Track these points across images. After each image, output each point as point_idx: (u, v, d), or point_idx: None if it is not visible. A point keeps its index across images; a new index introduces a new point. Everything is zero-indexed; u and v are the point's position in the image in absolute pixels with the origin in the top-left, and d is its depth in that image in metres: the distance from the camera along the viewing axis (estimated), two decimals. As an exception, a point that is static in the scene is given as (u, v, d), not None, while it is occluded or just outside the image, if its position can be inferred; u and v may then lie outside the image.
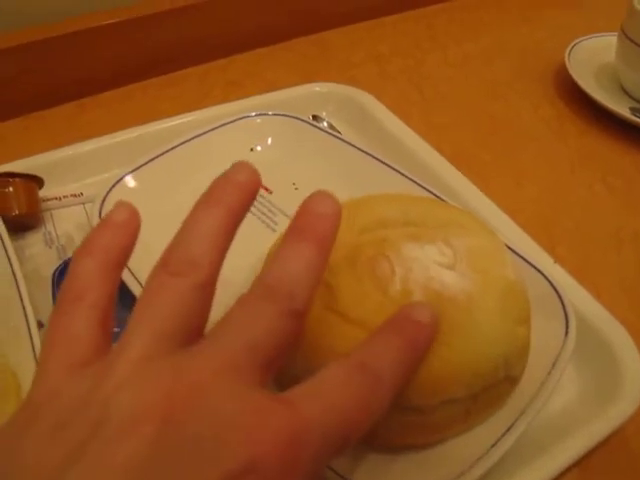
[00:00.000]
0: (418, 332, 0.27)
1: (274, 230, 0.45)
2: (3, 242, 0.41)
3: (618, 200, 0.54)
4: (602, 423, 0.35)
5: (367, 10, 0.76)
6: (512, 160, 0.57)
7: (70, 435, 0.20)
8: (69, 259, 0.45)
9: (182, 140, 0.49)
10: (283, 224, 0.44)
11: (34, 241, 0.46)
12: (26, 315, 0.37)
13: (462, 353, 0.29)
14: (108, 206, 0.43)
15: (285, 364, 0.25)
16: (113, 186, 0.45)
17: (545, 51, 0.72)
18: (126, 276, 0.38)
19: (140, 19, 0.61)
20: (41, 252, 0.46)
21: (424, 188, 0.44)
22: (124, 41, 0.62)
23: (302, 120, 0.52)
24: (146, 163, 0.47)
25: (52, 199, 0.49)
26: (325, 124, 0.57)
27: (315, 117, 0.57)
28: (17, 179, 0.45)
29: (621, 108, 0.61)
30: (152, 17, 0.62)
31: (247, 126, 0.51)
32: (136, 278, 0.38)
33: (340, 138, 0.50)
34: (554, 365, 0.33)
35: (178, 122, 0.54)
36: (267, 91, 0.58)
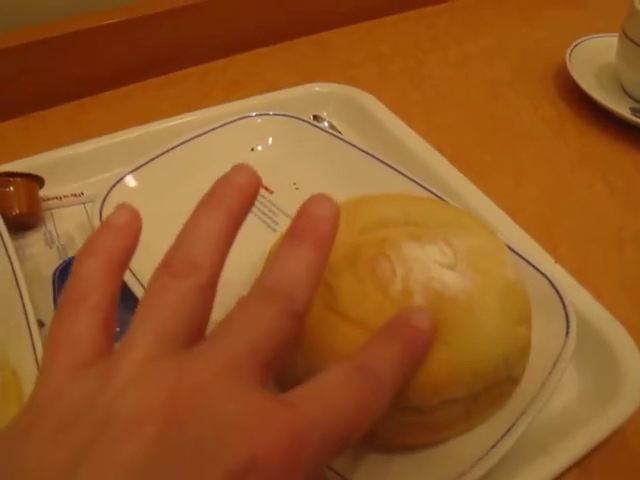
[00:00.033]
0: (416, 337, 0.28)
1: (275, 230, 0.45)
2: (4, 241, 0.41)
3: (619, 200, 0.54)
4: (603, 423, 0.35)
5: (367, 10, 0.76)
6: (512, 160, 0.57)
7: (74, 436, 0.20)
8: (69, 259, 0.45)
9: (182, 140, 0.49)
10: (284, 224, 0.44)
11: (34, 240, 0.46)
12: (26, 314, 0.37)
13: (463, 353, 0.29)
14: (108, 206, 0.43)
15: (286, 364, 0.25)
16: (113, 186, 0.45)
17: (545, 51, 0.72)
18: (126, 276, 0.38)
19: (140, 19, 0.61)
20: (41, 251, 0.46)
21: (425, 188, 0.44)
22: (124, 41, 0.62)
23: (303, 120, 0.52)
24: (146, 163, 0.47)
25: (52, 199, 0.49)
26: (326, 124, 0.57)
27: (316, 117, 0.57)
28: (18, 179, 0.45)
29: (621, 108, 0.61)
30: (152, 17, 0.62)
31: (248, 126, 0.51)
32: (137, 278, 0.38)
33: (341, 138, 0.50)
34: (555, 365, 0.33)
35: (178, 122, 0.54)
36: (267, 91, 0.58)
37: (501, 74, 0.69)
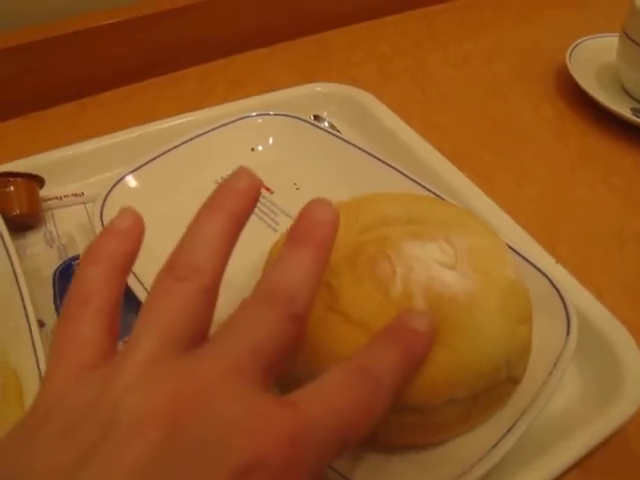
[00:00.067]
0: (415, 340, 0.28)
1: (275, 230, 0.45)
2: (4, 241, 0.41)
3: (619, 200, 0.54)
4: (603, 423, 0.35)
5: (368, 10, 0.76)
6: (513, 160, 0.57)
7: (79, 438, 0.20)
8: (70, 258, 0.45)
9: (183, 140, 0.49)
10: (284, 224, 0.44)
11: (35, 240, 0.46)
12: (27, 314, 0.37)
13: (464, 354, 0.29)
14: (109, 206, 0.43)
15: (286, 365, 0.25)
16: (114, 186, 0.45)
17: (546, 51, 0.72)
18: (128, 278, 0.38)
19: (140, 19, 0.61)
20: (42, 251, 0.46)
21: (425, 188, 0.44)
22: (124, 41, 0.62)
23: (303, 120, 0.52)
24: (147, 163, 0.47)
25: (53, 199, 0.49)
26: (326, 124, 0.57)
27: (316, 117, 0.57)
28: (18, 179, 0.45)
29: (622, 108, 0.61)
30: (152, 17, 0.62)
31: (248, 126, 0.51)
32: (137, 278, 0.38)
33: (341, 138, 0.50)
34: (555, 365, 0.33)
35: (179, 122, 0.54)
36: (267, 91, 0.58)
37: (501, 74, 0.69)
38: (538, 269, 0.38)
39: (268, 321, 0.24)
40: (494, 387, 0.31)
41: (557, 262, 0.43)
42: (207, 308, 0.25)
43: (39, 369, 0.34)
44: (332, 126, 0.57)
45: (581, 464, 0.35)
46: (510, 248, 0.37)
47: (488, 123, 0.62)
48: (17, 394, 0.35)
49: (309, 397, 0.23)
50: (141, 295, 0.37)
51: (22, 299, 0.38)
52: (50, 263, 0.44)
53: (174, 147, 0.48)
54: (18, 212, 0.45)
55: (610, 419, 0.35)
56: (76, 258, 0.45)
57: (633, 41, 0.60)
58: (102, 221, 0.42)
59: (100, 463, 0.19)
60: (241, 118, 0.51)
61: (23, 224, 0.46)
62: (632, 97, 0.64)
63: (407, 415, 0.30)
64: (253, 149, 0.52)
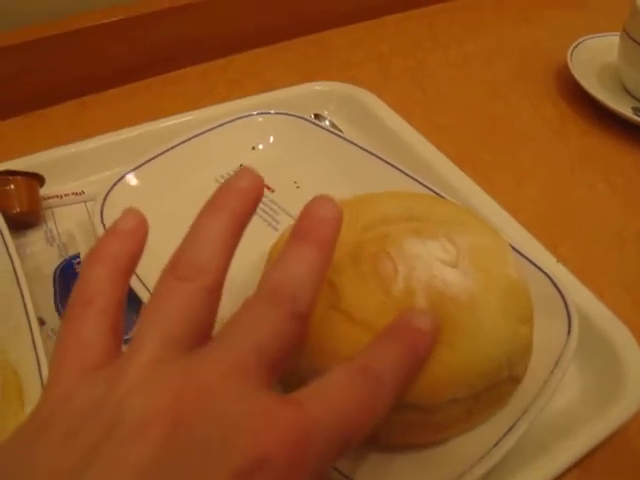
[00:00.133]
0: (418, 339, 0.28)
1: (276, 229, 0.45)
2: (4, 240, 0.41)
3: (620, 200, 0.54)
4: (604, 422, 0.35)
5: (367, 10, 0.76)
6: (513, 160, 0.57)
7: (83, 439, 0.20)
8: (70, 257, 0.45)
9: (184, 139, 0.49)
10: (285, 223, 0.44)
11: (35, 239, 0.46)
12: (27, 313, 0.37)
13: (465, 352, 0.29)
14: (109, 204, 0.43)
15: (290, 364, 0.25)
16: (114, 184, 0.45)
17: (546, 51, 0.72)
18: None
19: (140, 18, 0.61)
20: (42, 250, 0.46)
21: (426, 187, 0.44)
22: (125, 39, 0.62)
23: (304, 119, 0.52)
24: (148, 161, 0.47)
25: (53, 197, 0.49)
26: (327, 123, 0.57)
27: (317, 116, 0.57)
28: (18, 177, 0.45)
29: (623, 108, 0.60)
30: (152, 16, 0.62)
31: (249, 125, 0.51)
32: (138, 277, 0.38)
33: (342, 137, 0.50)
34: (557, 364, 0.33)
35: (179, 121, 0.54)
36: (267, 91, 0.58)
37: (502, 74, 0.69)
38: (539, 268, 0.38)
39: (271, 320, 0.24)
40: (495, 386, 0.31)
41: (558, 261, 0.43)
42: (210, 308, 0.25)
43: (39, 367, 0.34)
44: (333, 125, 0.57)
45: (582, 463, 0.35)
46: (511, 247, 0.37)
47: (488, 123, 0.62)
48: (17, 392, 0.35)
49: (312, 396, 0.23)
50: (142, 295, 0.37)
51: (22, 297, 0.38)
52: (50, 261, 0.44)
53: (175, 146, 0.48)
54: (18, 210, 0.45)
55: (611, 418, 0.35)
56: (76, 257, 0.45)
57: (634, 41, 0.60)
58: (102, 220, 0.42)
59: (103, 464, 0.19)
60: (242, 117, 0.51)
61: (23, 222, 0.46)
62: (633, 97, 0.64)
63: (408, 414, 0.30)
64: (254, 148, 0.51)
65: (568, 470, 0.34)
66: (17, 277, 0.39)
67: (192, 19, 0.65)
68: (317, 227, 0.26)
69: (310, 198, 0.27)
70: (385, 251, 0.30)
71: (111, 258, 0.26)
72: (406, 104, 0.61)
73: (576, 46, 0.68)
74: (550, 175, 0.56)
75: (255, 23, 0.69)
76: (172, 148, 0.48)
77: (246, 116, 0.51)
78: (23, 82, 0.58)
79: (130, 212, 0.28)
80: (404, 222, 0.33)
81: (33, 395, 0.34)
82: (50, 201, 0.48)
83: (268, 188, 0.48)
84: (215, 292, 0.25)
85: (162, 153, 0.47)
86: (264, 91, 0.58)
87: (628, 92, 0.65)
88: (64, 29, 0.58)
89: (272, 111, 0.52)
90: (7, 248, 0.41)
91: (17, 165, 0.47)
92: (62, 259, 0.45)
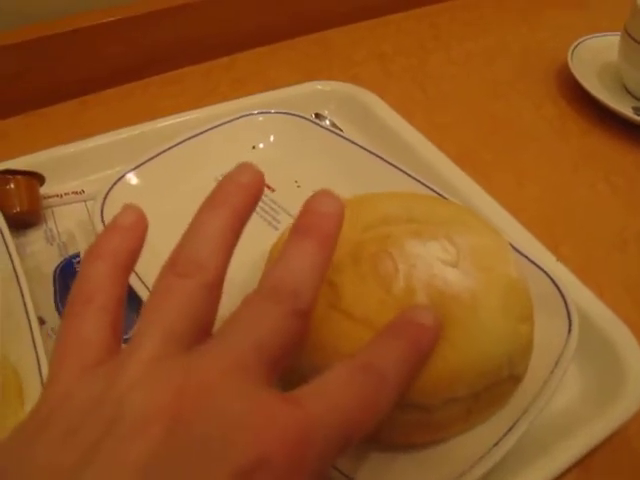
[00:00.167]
0: (421, 335, 0.27)
1: (276, 228, 0.45)
2: (4, 239, 0.41)
3: (621, 199, 0.54)
4: (604, 422, 0.35)
5: (369, 9, 0.76)
6: (514, 159, 0.57)
7: (83, 436, 0.20)
8: (70, 256, 0.45)
9: (184, 138, 0.49)
10: (285, 222, 0.44)
11: (35, 238, 0.46)
12: (27, 312, 0.37)
13: (465, 351, 0.29)
14: (109, 204, 0.43)
15: (290, 363, 0.25)
16: (115, 183, 0.45)
17: (547, 51, 0.72)
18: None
19: (141, 17, 0.61)
20: (42, 249, 0.46)
21: (427, 186, 0.44)
22: (126, 39, 0.62)
23: (304, 118, 0.52)
24: (148, 161, 0.47)
25: (53, 196, 0.49)
26: (327, 122, 0.57)
27: (317, 115, 0.57)
28: (18, 176, 0.45)
29: (624, 108, 0.60)
30: (152, 15, 0.62)
31: (249, 124, 0.51)
32: (138, 276, 0.38)
33: (342, 136, 0.50)
34: (557, 364, 0.33)
35: (180, 120, 0.53)
36: (269, 89, 0.58)
37: (503, 74, 0.69)
38: (540, 268, 0.38)
39: (272, 317, 0.23)
40: (495, 385, 0.31)
41: (558, 260, 0.43)
42: (210, 304, 0.25)
43: (39, 367, 0.34)
44: (333, 124, 0.57)
45: (582, 463, 0.35)
46: (512, 247, 0.37)
47: (489, 122, 0.62)
48: (17, 392, 0.35)
49: (313, 394, 0.23)
50: (142, 293, 0.37)
51: (22, 297, 0.38)
52: (50, 261, 0.44)
53: (175, 145, 0.48)
54: (18, 210, 0.45)
55: (611, 418, 0.35)
56: (77, 256, 0.45)
57: (635, 40, 0.60)
58: (103, 219, 0.42)
59: (102, 461, 0.19)
60: (242, 116, 0.51)
61: (23, 222, 0.46)
62: (634, 96, 0.64)
63: (408, 413, 0.30)
64: (254, 147, 0.51)
65: (568, 470, 0.34)
66: (17, 276, 0.39)
67: (195, 18, 0.65)
68: (319, 222, 0.26)
69: (311, 196, 0.27)
70: (386, 251, 0.30)
71: (111, 254, 0.26)
72: (407, 103, 0.61)
73: (577, 46, 0.68)
74: (551, 175, 0.56)
75: (257, 22, 0.69)
76: (172, 147, 0.48)
77: (246, 115, 0.51)
78: (23, 81, 0.58)
79: (129, 208, 0.28)
80: (404, 223, 0.33)
81: (33, 394, 0.34)
82: (50, 200, 0.48)
83: (269, 187, 0.48)
84: (215, 289, 0.25)
85: (162, 152, 0.47)
86: (267, 90, 0.58)
87: (629, 92, 0.65)
88: (64, 29, 0.58)
89: (272, 110, 0.52)
90: (7, 247, 0.41)
91: (17, 164, 0.47)
92: (62, 258, 0.45)
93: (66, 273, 0.44)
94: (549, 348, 0.34)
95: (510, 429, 0.31)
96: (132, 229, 0.27)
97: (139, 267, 0.37)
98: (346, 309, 0.29)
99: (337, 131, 0.52)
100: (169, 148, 0.48)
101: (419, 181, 0.45)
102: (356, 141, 0.49)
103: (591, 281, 0.41)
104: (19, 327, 0.36)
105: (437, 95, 0.65)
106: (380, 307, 0.29)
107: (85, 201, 0.49)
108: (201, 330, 0.24)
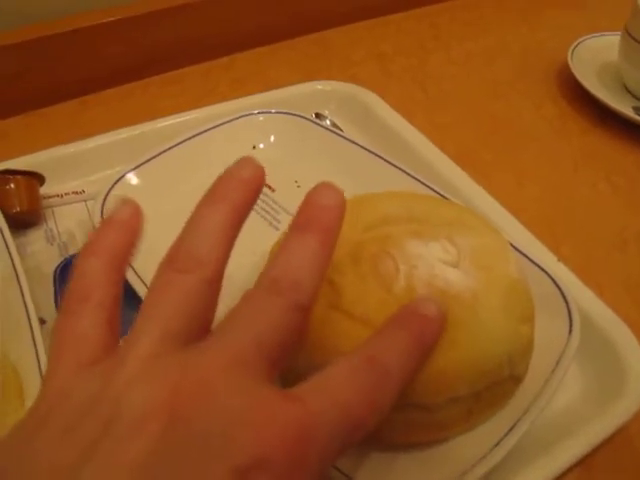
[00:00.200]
0: (425, 326, 0.27)
1: (277, 228, 0.45)
2: (5, 239, 0.41)
3: (622, 199, 0.54)
4: (605, 422, 0.35)
5: (369, 9, 0.76)
6: (514, 159, 0.57)
7: (81, 434, 0.20)
8: (70, 256, 0.45)
9: (184, 137, 0.48)
10: (286, 222, 0.44)
11: (35, 238, 0.46)
12: (27, 312, 0.37)
13: (467, 351, 0.29)
14: (110, 204, 0.43)
15: (290, 362, 0.25)
16: (115, 183, 0.44)
17: (547, 50, 0.72)
18: (128, 274, 0.38)
19: (141, 17, 0.61)
20: (42, 249, 0.46)
21: (427, 186, 0.44)
22: (126, 39, 0.62)
23: (305, 118, 0.52)
24: (148, 160, 0.47)
25: (54, 196, 0.49)
26: (328, 122, 0.57)
27: (318, 115, 0.57)
28: (18, 176, 0.45)
29: (624, 107, 0.60)
30: (152, 15, 0.62)
31: (250, 124, 0.51)
32: (139, 276, 0.38)
33: (343, 136, 0.50)
34: (558, 363, 0.33)
35: (180, 120, 0.53)
36: (269, 89, 0.58)
37: (503, 73, 0.69)
38: (541, 268, 0.38)
39: (272, 311, 0.23)
40: (496, 385, 0.31)
41: (559, 260, 0.43)
42: (210, 300, 0.24)
43: (40, 367, 0.34)
44: (334, 124, 0.57)
45: (583, 462, 0.34)
46: (512, 247, 0.37)
47: (490, 122, 0.62)
48: (17, 392, 0.35)
49: (314, 390, 0.22)
50: (144, 294, 0.37)
51: (23, 297, 0.37)
52: (51, 261, 0.44)
53: (175, 145, 0.48)
54: (18, 210, 0.45)
55: (612, 417, 0.35)
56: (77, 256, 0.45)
57: (635, 40, 0.60)
58: (103, 219, 0.42)
59: (100, 460, 0.19)
60: (242, 116, 0.51)
61: (23, 222, 0.46)
62: (634, 96, 0.64)
63: (409, 413, 0.30)
64: (254, 147, 0.51)
65: (569, 469, 0.34)
66: (17, 276, 0.39)
67: (192, 19, 0.65)
68: (319, 216, 0.25)
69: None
70: (386, 251, 0.30)
71: (107, 249, 0.26)
72: (407, 103, 0.60)
73: (577, 46, 0.68)
74: (551, 175, 0.56)
75: (257, 22, 0.69)
76: (173, 147, 0.48)
77: (247, 115, 0.51)
78: (23, 81, 0.58)
79: (125, 203, 0.27)
80: (405, 223, 0.32)
81: (33, 394, 0.33)
82: (50, 200, 0.48)
83: (269, 187, 0.48)
84: (214, 284, 0.24)
85: (162, 152, 0.47)
86: (266, 90, 0.58)
87: (629, 91, 0.65)
88: (64, 29, 0.58)
89: (273, 110, 0.52)
90: (7, 247, 0.40)
91: (17, 164, 0.47)
92: (62, 258, 0.45)
93: (66, 273, 0.43)
94: (550, 348, 0.34)
95: (511, 429, 0.31)
96: (128, 224, 0.27)
97: (139, 267, 0.38)
98: (346, 308, 0.29)
99: (337, 131, 0.52)
100: (169, 148, 0.48)
101: (419, 181, 0.45)
102: (356, 141, 0.49)
103: (591, 281, 0.41)
104: (19, 327, 0.36)
105: (437, 95, 0.65)
106: (381, 307, 0.29)
107: (85, 201, 0.49)
108: (200, 326, 0.24)
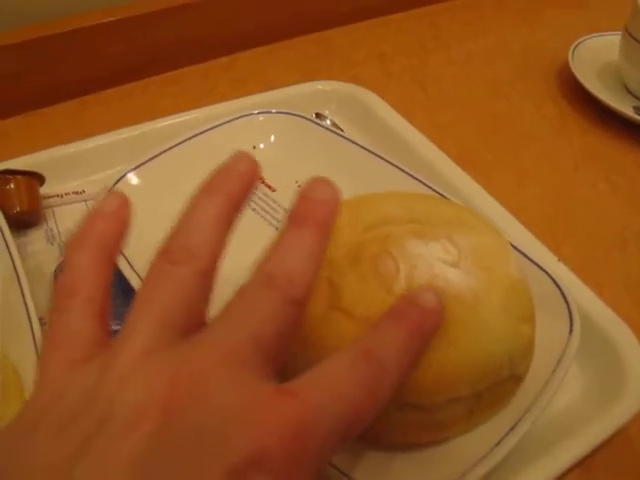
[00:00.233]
0: (423, 318, 0.27)
1: (276, 228, 0.44)
2: (5, 239, 0.41)
3: (622, 199, 0.54)
4: (606, 422, 0.35)
5: (369, 9, 0.76)
6: (515, 159, 0.57)
7: (75, 432, 0.20)
8: (71, 256, 0.45)
9: (185, 137, 0.48)
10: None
11: (36, 238, 0.46)
12: (28, 312, 0.37)
13: (467, 351, 0.29)
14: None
15: (289, 362, 0.25)
16: (115, 183, 0.44)
17: (547, 50, 0.72)
18: (129, 274, 0.38)
19: (141, 17, 0.61)
20: (43, 249, 0.46)
21: (428, 186, 0.44)
22: (126, 39, 0.62)
23: (305, 118, 0.52)
24: (148, 160, 0.47)
25: (54, 196, 0.49)
26: (328, 122, 0.57)
27: (318, 115, 0.57)
28: (18, 176, 0.45)
29: (624, 107, 0.60)
30: (152, 15, 0.62)
31: (250, 124, 0.51)
32: (139, 276, 0.38)
33: (343, 136, 0.50)
34: (558, 363, 0.33)
35: (180, 120, 0.53)
36: (269, 89, 0.58)
37: (503, 73, 0.69)
38: (541, 268, 0.38)
39: (267, 306, 0.23)
40: (497, 385, 0.31)
41: (559, 260, 0.43)
42: (204, 292, 0.24)
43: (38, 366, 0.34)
44: (334, 124, 0.57)
45: (583, 463, 0.34)
46: (513, 247, 0.37)
47: (490, 122, 0.62)
48: (18, 392, 0.34)
49: (311, 384, 0.22)
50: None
51: (23, 296, 0.37)
52: (51, 261, 0.44)
53: (176, 145, 0.48)
54: (19, 210, 0.45)
55: (613, 418, 0.35)
56: (77, 256, 0.45)
57: (636, 40, 0.60)
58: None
59: (94, 457, 0.19)
60: (243, 116, 0.51)
61: (24, 222, 0.46)
62: (634, 96, 0.64)
63: (409, 413, 0.30)
64: (255, 147, 0.51)
65: (570, 470, 0.34)
66: (18, 276, 0.39)
67: (192, 19, 0.65)
68: (314, 210, 0.25)
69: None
70: (387, 251, 0.30)
71: (94, 241, 0.26)
72: (407, 103, 0.60)
73: (577, 45, 0.68)
74: (552, 175, 0.56)
75: (257, 22, 0.69)
76: (173, 147, 0.48)
77: (247, 115, 0.51)
78: (23, 81, 0.58)
79: (112, 194, 0.27)
80: (405, 223, 0.32)
81: (34, 394, 0.34)
82: (51, 200, 0.48)
83: (269, 187, 0.48)
84: (209, 276, 0.24)
85: (163, 152, 0.47)
86: (266, 90, 0.58)
87: (629, 91, 0.65)
88: (64, 29, 0.58)
89: (273, 110, 0.52)
90: (8, 247, 0.40)
91: (17, 164, 0.47)
92: (63, 258, 0.45)
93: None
94: (550, 348, 0.34)
95: (512, 429, 0.31)
96: (116, 214, 0.26)
97: (139, 267, 0.38)
98: (346, 308, 0.29)
99: (338, 131, 0.52)
100: (169, 148, 0.48)
101: (420, 181, 0.44)
102: (357, 141, 0.49)
103: (592, 280, 0.42)
104: (20, 327, 0.36)
105: (437, 95, 0.65)
106: (381, 307, 0.29)
107: (86, 201, 0.49)
108: (195, 319, 0.24)
